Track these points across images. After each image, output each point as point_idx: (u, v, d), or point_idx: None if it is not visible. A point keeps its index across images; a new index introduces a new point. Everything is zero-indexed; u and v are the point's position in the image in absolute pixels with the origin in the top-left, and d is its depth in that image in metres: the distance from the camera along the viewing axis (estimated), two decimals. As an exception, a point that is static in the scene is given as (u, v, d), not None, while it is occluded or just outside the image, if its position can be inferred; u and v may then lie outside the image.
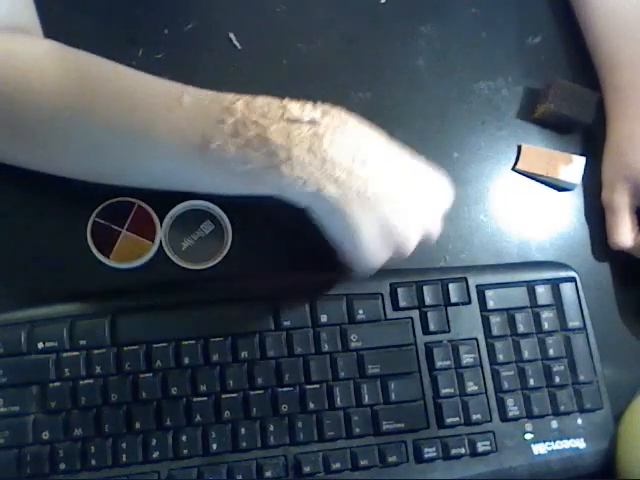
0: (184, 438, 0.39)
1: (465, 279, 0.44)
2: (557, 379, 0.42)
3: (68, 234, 0.43)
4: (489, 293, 0.43)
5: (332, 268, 0.45)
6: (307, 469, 0.39)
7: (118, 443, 0.38)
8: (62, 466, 0.38)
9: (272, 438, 0.39)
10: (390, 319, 0.42)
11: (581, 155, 0.49)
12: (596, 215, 0.49)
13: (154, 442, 0.39)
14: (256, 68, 0.48)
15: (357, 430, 0.40)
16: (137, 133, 0.34)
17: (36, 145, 0.38)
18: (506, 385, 0.42)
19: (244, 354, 0.40)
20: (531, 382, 0.42)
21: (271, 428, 0.40)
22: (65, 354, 0.39)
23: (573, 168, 0.48)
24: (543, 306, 0.44)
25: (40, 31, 0.43)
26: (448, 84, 0.50)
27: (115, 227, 0.43)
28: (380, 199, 0.34)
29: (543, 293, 0.44)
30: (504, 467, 0.41)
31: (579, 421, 0.43)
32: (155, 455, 0.39)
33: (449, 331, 0.43)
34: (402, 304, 0.42)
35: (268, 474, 0.39)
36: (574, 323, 0.44)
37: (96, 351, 0.39)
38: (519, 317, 0.43)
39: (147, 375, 0.39)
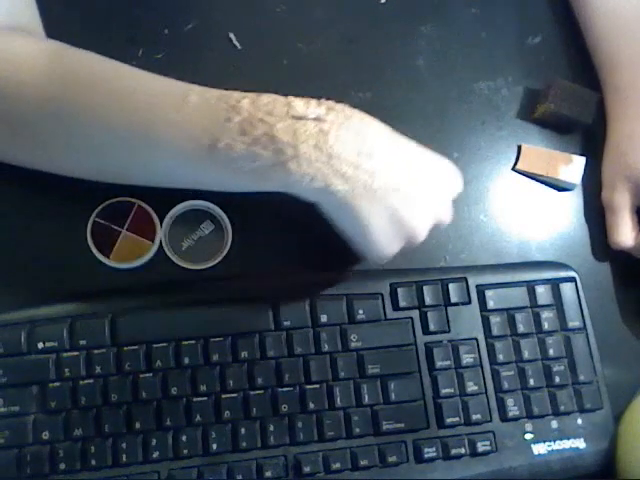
0: (184, 438, 0.39)
1: (465, 279, 0.44)
2: (557, 379, 0.43)
3: (68, 234, 0.43)
4: (489, 293, 0.43)
5: (332, 268, 0.45)
6: (307, 469, 0.39)
7: (118, 443, 0.38)
8: (62, 466, 0.38)
9: (272, 438, 0.39)
10: (390, 319, 0.42)
11: (581, 155, 0.49)
12: (596, 215, 0.49)
13: (154, 442, 0.39)
14: (256, 68, 0.48)
15: (357, 430, 0.40)
16: (142, 132, 0.35)
17: (38, 145, 0.38)
18: (506, 385, 0.42)
19: (244, 354, 0.40)
20: (531, 382, 0.42)
21: (271, 428, 0.40)
22: (65, 354, 0.39)
23: (573, 168, 0.48)
24: (543, 306, 0.44)
25: (42, 31, 0.43)
26: (448, 84, 0.50)
27: (115, 227, 0.43)
28: (388, 191, 0.34)
29: (543, 293, 0.44)
30: (504, 467, 0.41)
31: (579, 421, 0.43)
32: (155, 455, 0.39)
33: (449, 331, 0.43)
34: (402, 304, 0.42)
35: (268, 474, 0.39)
36: (574, 323, 0.44)
37: (96, 351, 0.39)
38: (519, 317, 0.43)
39: (147, 375, 0.39)
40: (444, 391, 0.41)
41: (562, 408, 0.42)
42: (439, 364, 0.42)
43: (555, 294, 0.44)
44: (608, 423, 0.43)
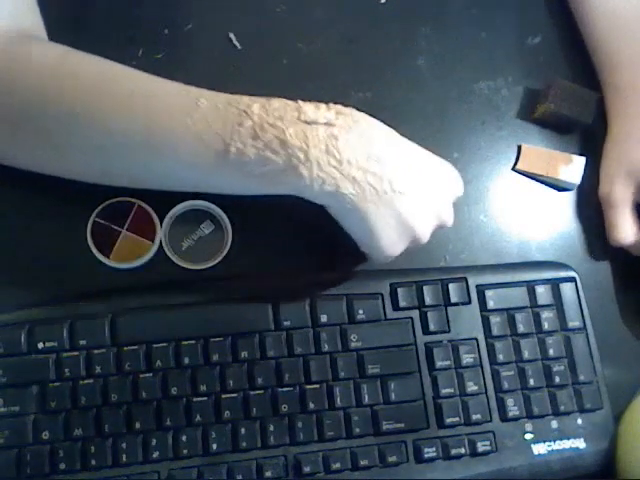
0: (184, 438, 0.39)
1: (465, 279, 0.44)
2: (557, 379, 0.43)
3: (68, 234, 0.43)
4: (489, 293, 0.43)
5: (332, 268, 0.45)
6: (307, 469, 0.39)
7: (118, 443, 0.38)
8: (62, 466, 0.38)
9: (272, 438, 0.39)
10: (390, 319, 0.42)
11: (581, 155, 0.49)
12: (596, 215, 0.49)
13: (154, 442, 0.39)
14: (256, 68, 0.48)
15: (357, 430, 0.40)
16: (153, 137, 0.35)
17: (50, 147, 0.38)
18: (506, 385, 0.42)
19: (244, 354, 0.40)
20: (531, 382, 0.42)
21: (271, 428, 0.40)
22: (65, 354, 0.39)
23: (573, 168, 0.48)
24: (543, 306, 0.44)
25: (45, 34, 0.43)
26: (448, 84, 0.50)
27: (115, 227, 0.43)
28: (395, 194, 0.35)
29: (543, 293, 0.44)
30: (504, 467, 0.41)
31: (579, 421, 0.43)
32: (155, 455, 0.39)
33: (449, 331, 0.43)
34: (402, 304, 0.42)
35: (268, 474, 0.39)
36: (574, 323, 0.44)
37: (96, 351, 0.39)
38: (519, 317, 0.43)
39: (147, 375, 0.39)
40: (444, 391, 0.41)
41: (562, 408, 0.42)
42: (439, 364, 0.42)
43: (555, 294, 0.44)
44: (608, 423, 0.43)
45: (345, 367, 0.41)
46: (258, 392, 0.40)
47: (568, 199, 0.49)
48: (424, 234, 0.38)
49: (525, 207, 0.49)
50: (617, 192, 0.47)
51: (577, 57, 0.52)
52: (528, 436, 0.42)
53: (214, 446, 0.39)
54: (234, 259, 0.44)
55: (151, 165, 0.36)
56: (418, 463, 0.41)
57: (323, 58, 0.49)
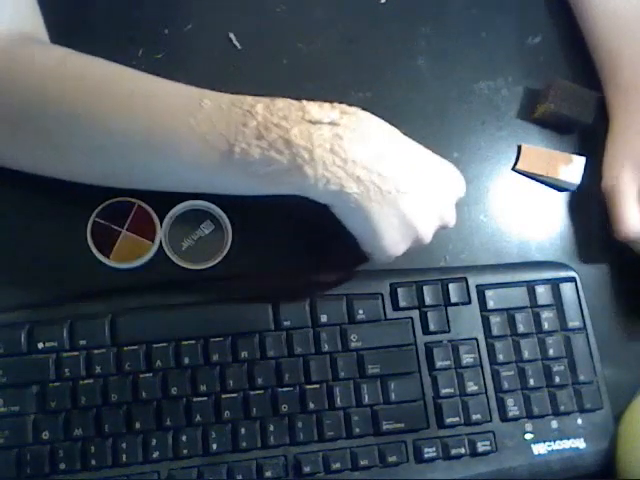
0: (184, 438, 0.39)
1: (465, 279, 0.44)
2: (557, 379, 0.43)
3: (68, 234, 0.43)
4: (489, 293, 0.43)
5: (332, 268, 0.45)
6: (307, 469, 0.39)
7: (118, 443, 0.38)
8: (62, 466, 0.38)
9: (272, 438, 0.39)
10: (390, 319, 0.42)
11: (581, 155, 0.49)
12: (596, 215, 0.49)
13: (154, 442, 0.39)
14: (256, 68, 0.48)
15: (357, 430, 0.40)
16: (155, 137, 0.35)
17: (51, 148, 0.38)
18: (506, 385, 0.42)
19: (244, 354, 0.40)
20: (531, 382, 0.42)
21: (271, 428, 0.40)
22: (65, 354, 0.39)
23: (573, 168, 0.48)
24: (543, 306, 0.44)
25: (46, 36, 0.43)
26: (448, 84, 0.50)
27: (115, 227, 0.43)
28: (399, 194, 0.35)
29: (543, 293, 0.44)
30: (504, 467, 0.41)
31: (579, 421, 0.43)
32: (155, 455, 0.39)
33: (449, 331, 0.43)
34: (402, 304, 0.42)
35: (268, 474, 0.39)
36: (574, 323, 0.44)
37: (96, 351, 0.39)
38: (519, 317, 0.43)
39: (147, 375, 0.39)
40: (444, 391, 0.41)
41: (562, 408, 0.42)
42: (439, 364, 0.42)
43: (555, 294, 0.44)
44: (608, 423, 0.43)
45: (345, 367, 0.41)
46: (258, 392, 0.40)
47: (568, 199, 0.49)
48: (427, 234, 0.38)
49: (525, 207, 0.49)
50: (622, 184, 0.46)
51: (577, 57, 0.52)
52: (528, 436, 0.42)
53: (214, 446, 0.39)
54: (234, 259, 0.44)
55: (153, 166, 0.36)
56: (418, 463, 0.41)
57: (323, 58, 0.49)
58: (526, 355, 0.43)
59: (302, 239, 0.45)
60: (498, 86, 0.51)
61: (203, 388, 0.39)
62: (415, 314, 0.43)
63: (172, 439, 0.39)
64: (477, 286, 0.44)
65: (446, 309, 0.43)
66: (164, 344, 0.40)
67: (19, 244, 0.43)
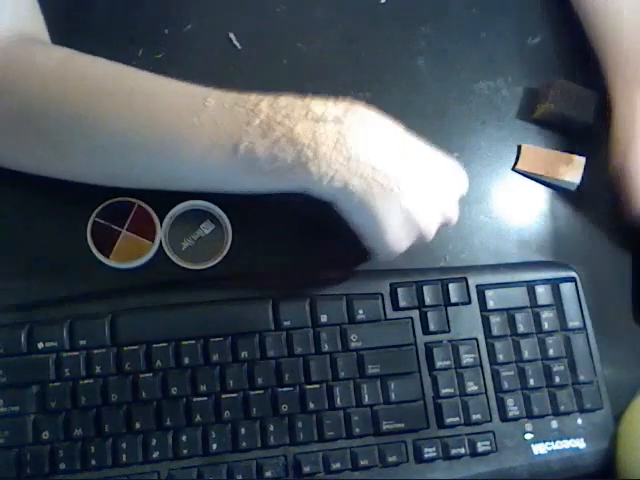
0: (184, 438, 0.39)
1: (465, 279, 0.44)
2: (557, 379, 0.42)
3: (68, 234, 0.43)
4: (489, 293, 0.43)
5: (332, 268, 0.45)
6: (307, 469, 0.39)
7: (118, 443, 0.38)
8: (62, 466, 0.38)
9: (272, 438, 0.39)
10: (390, 319, 0.42)
11: (581, 155, 0.49)
12: (596, 215, 0.49)
13: (154, 442, 0.39)
14: (256, 68, 0.48)
15: (357, 430, 0.40)
16: (162, 136, 0.35)
17: (51, 148, 0.38)
18: (506, 385, 0.42)
19: (244, 354, 0.40)
20: (531, 382, 0.42)
21: (271, 428, 0.40)
22: (65, 354, 0.39)
23: (573, 168, 0.48)
24: (543, 306, 0.44)
25: (47, 37, 0.43)
26: (448, 84, 0.50)
27: (115, 227, 0.43)
28: (403, 190, 0.35)
29: (543, 293, 0.44)
30: (504, 467, 0.41)
31: (579, 421, 0.43)
32: (155, 455, 0.39)
33: (449, 331, 0.43)
34: (402, 304, 0.42)
35: (268, 474, 0.39)
36: (574, 323, 0.44)
37: (96, 351, 0.39)
38: (519, 317, 0.43)
39: (147, 375, 0.39)
40: (444, 391, 0.41)
41: (562, 408, 0.42)
42: (439, 364, 0.42)
43: (555, 294, 0.44)
44: (608, 423, 0.43)
45: (345, 367, 0.41)
46: (258, 392, 0.40)
47: (568, 199, 0.49)
48: (430, 231, 0.38)
49: (525, 207, 0.49)
50: (632, 159, 0.45)
51: (577, 57, 0.52)
52: (528, 436, 0.42)
53: (214, 446, 0.39)
54: (234, 259, 0.44)
55: (156, 165, 0.36)
56: (418, 463, 0.41)
57: (323, 58, 0.49)
58: (526, 355, 0.43)
59: (302, 239, 0.45)
60: (498, 86, 0.51)
61: (203, 388, 0.39)
62: (415, 314, 0.43)
63: (172, 439, 0.39)
64: (477, 286, 0.44)
65: (446, 309, 0.43)
66: (164, 344, 0.40)
67: (19, 244, 0.43)
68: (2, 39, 0.38)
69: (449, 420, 0.41)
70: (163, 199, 0.43)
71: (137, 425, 0.39)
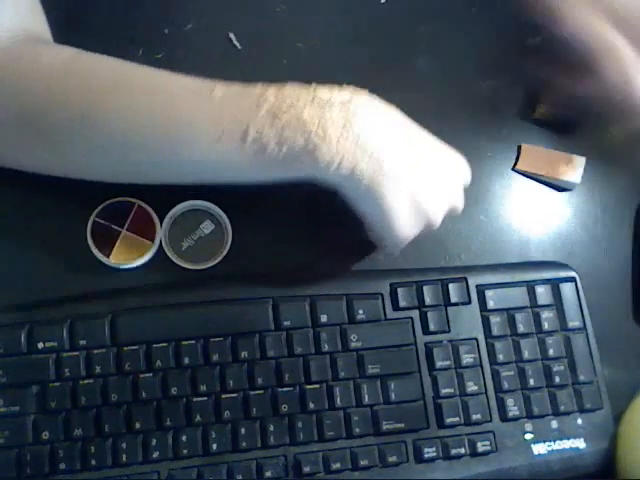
0: (184, 438, 0.39)
1: (465, 279, 0.44)
2: (557, 379, 0.42)
3: (68, 234, 0.43)
4: (489, 293, 0.43)
5: (332, 268, 0.45)
6: (307, 469, 0.39)
7: (118, 443, 0.38)
8: (62, 466, 0.38)
9: (272, 438, 0.39)
10: (390, 319, 0.42)
11: (581, 155, 0.49)
12: (596, 215, 0.49)
13: (154, 442, 0.39)
14: (256, 68, 0.48)
15: (357, 430, 0.40)
16: (171, 129, 0.35)
17: (54, 147, 0.38)
18: (506, 385, 0.42)
19: (244, 354, 0.40)
20: (531, 382, 0.42)
21: (271, 428, 0.40)
22: (65, 354, 0.39)
23: (573, 168, 0.48)
24: (543, 306, 0.44)
25: (50, 36, 0.43)
26: (448, 84, 0.50)
27: (115, 227, 0.43)
28: (409, 176, 0.35)
29: (543, 293, 0.44)
30: (504, 467, 0.41)
31: (579, 421, 0.43)
32: (155, 455, 0.39)
33: (449, 331, 0.43)
34: (402, 304, 0.42)
35: (268, 474, 0.39)
36: (574, 323, 0.44)
37: (96, 351, 0.39)
38: (519, 317, 0.43)
39: (147, 375, 0.39)
40: (444, 391, 0.41)
41: (562, 408, 0.42)
42: (439, 364, 0.42)
43: (555, 294, 0.44)
44: (608, 423, 0.43)
45: (345, 367, 0.41)
46: (258, 392, 0.40)
47: (568, 199, 0.49)
48: (437, 218, 0.38)
49: (525, 207, 0.49)
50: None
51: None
52: (528, 436, 0.42)
53: (214, 446, 0.39)
54: (234, 259, 0.44)
55: (166, 158, 0.36)
56: (418, 463, 0.41)
57: (323, 58, 0.49)
58: (526, 355, 0.43)
59: (302, 239, 0.45)
60: (498, 86, 0.51)
61: (203, 388, 0.39)
62: (415, 314, 0.43)
63: (172, 439, 0.39)
64: (477, 286, 0.44)
65: (446, 309, 0.43)
66: (164, 344, 0.40)
67: (19, 244, 0.43)
68: (3, 39, 0.38)
69: (449, 420, 0.41)
70: (163, 199, 0.43)
71: (137, 425, 0.39)
